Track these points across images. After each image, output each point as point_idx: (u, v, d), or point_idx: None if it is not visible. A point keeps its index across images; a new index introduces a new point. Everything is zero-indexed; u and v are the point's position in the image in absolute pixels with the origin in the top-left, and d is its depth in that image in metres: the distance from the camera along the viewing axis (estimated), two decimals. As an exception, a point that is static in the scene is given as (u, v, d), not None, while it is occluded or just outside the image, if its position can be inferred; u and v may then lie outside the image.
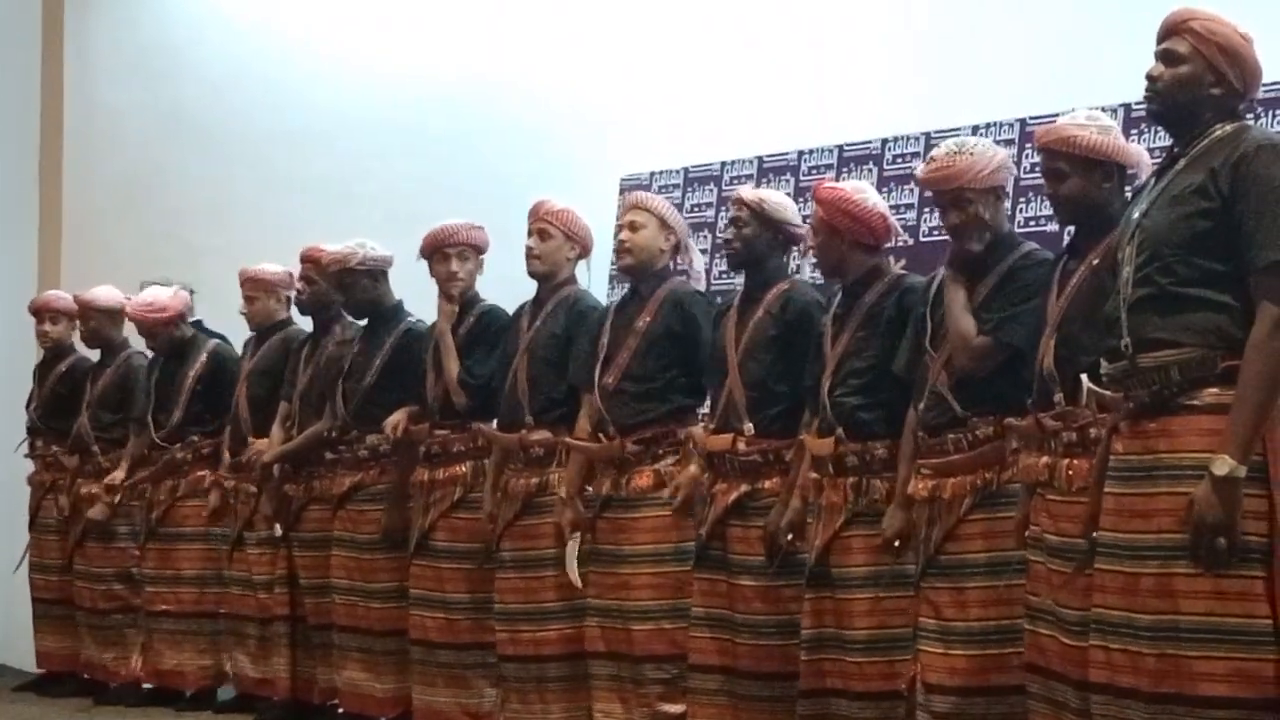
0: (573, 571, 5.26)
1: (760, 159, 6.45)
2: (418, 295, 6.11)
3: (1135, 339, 3.46)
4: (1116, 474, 3.50)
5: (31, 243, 8.09)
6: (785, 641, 4.72)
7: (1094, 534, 3.54)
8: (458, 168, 7.35)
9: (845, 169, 6.11)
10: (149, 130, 8.06)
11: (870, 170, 6.02)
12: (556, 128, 7.14)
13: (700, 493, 4.97)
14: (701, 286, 5.48)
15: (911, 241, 5.63)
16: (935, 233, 5.55)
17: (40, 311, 7.52)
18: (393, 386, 5.99)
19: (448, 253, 5.78)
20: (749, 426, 4.83)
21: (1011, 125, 5.54)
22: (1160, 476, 3.40)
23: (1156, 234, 3.46)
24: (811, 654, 4.59)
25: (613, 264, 6.24)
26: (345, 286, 6.13)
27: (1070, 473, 3.81)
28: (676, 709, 5.05)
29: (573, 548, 5.25)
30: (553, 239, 5.50)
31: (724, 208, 5.96)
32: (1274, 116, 4.86)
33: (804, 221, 4.99)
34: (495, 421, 5.65)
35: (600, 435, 5.21)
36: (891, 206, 5.14)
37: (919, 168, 4.43)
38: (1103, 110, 4.26)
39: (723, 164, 6.62)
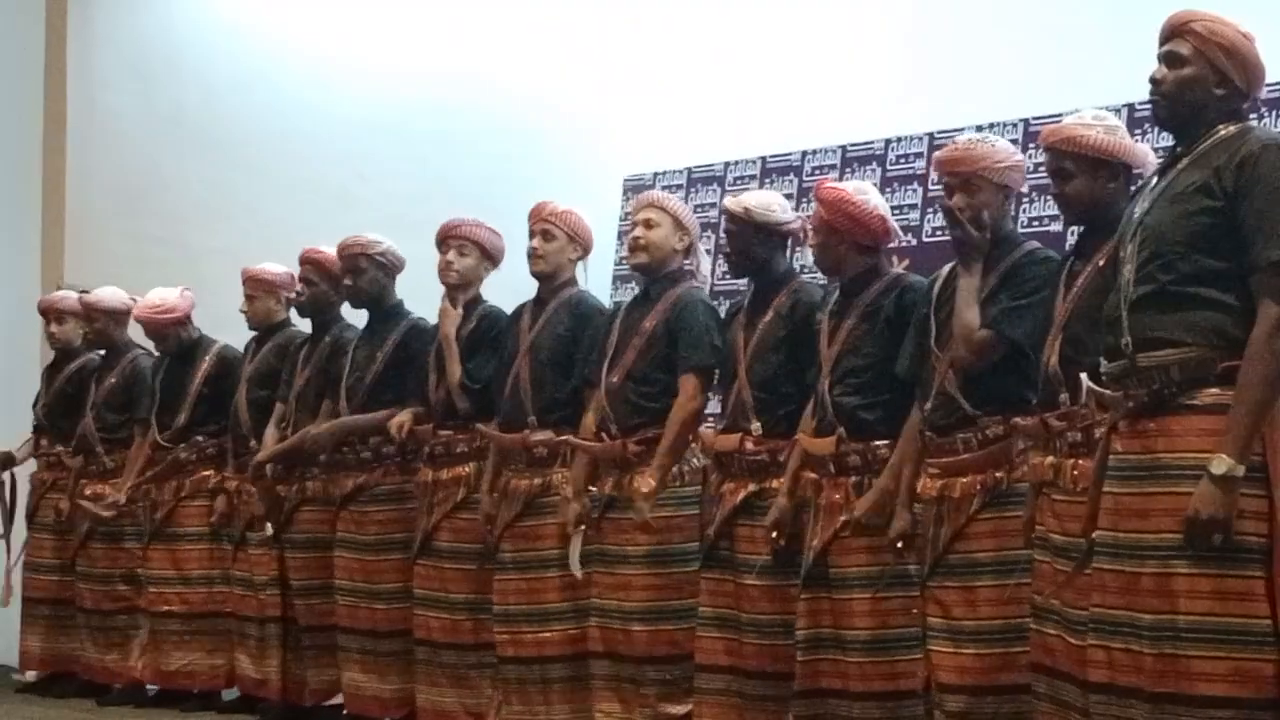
0: (575, 564, 5.25)
1: (763, 159, 6.46)
2: (418, 296, 6.11)
3: (1135, 338, 3.46)
4: (1116, 473, 3.50)
5: (35, 244, 8.08)
6: (792, 642, 4.70)
7: (1093, 533, 3.54)
8: (458, 170, 7.37)
9: (848, 169, 6.12)
10: (150, 133, 8.05)
11: (873, 170, 6.03)
12: (559, 130, 7.15)
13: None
14: (706, 287, 5.49)
15: (914, 242, 5.64)
16: (938, 233, 5.56)
17: (48, 312, 7.51)
18: (396, 382, 5.99)
19: (448, 243, 5.80)
20: (756, 426, 4.84)
21: (1014, 125, 5.56)
22: (1159, 476, 3.40)
23: (1159, 231, 3.46)
24: (807, 654, 4.59)
25: (615, 264, 6.25)
26: (355, 272, 6.07)
27: (1075, 473, 3.80)
28: (677, 710, 5.06)
29: (577, 541, 5.25)
30: (556, 240, 5.51)
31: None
32: (1278, 116, 4.88)
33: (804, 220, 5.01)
34: (496, 422, 5.65)
35: (603, 435, 5.22)
36: (894, 207, 5.16)
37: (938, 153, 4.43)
38: (1106, 110, 4.27)
39: (726, 164, 6.62)
